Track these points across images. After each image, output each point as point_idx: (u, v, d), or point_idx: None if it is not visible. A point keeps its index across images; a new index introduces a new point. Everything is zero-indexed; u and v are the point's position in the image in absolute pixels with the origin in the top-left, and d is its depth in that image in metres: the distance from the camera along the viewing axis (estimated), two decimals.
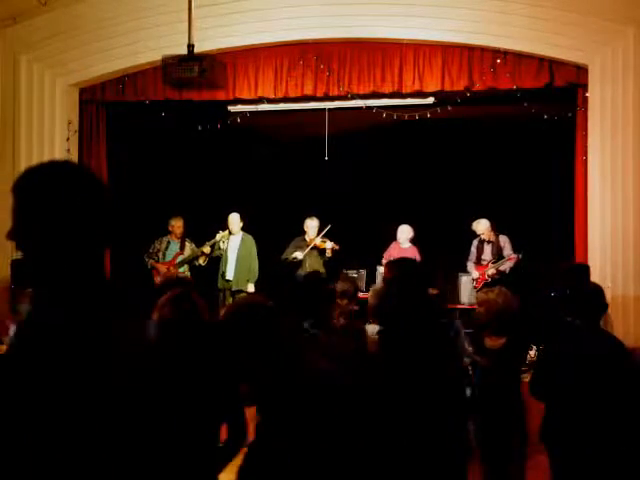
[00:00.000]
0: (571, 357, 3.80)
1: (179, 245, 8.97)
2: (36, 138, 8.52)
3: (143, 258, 8.91)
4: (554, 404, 3.90)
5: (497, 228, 8.66)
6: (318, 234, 8.98)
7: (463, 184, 9.82)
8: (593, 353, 3.79)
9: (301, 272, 8.85)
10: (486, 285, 8.52)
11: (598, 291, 4.13)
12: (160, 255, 8.90)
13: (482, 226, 8.57)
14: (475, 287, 8.68)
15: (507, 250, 8.52)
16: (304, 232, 9.12)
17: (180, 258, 8.88)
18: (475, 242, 8.70)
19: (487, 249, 8.61)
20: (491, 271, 8.48)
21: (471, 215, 8.96)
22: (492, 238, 8.58)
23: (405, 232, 8.96)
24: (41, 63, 8.51)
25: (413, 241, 9.01)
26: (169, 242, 8.98)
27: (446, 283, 9.43)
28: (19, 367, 1.56)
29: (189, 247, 8.99)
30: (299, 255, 8.90)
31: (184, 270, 8.93)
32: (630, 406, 3.67)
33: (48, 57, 8.49)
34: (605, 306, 4.07)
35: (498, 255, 8.52)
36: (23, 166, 8.39)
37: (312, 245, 8.90)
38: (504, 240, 8.56)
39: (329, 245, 8.86)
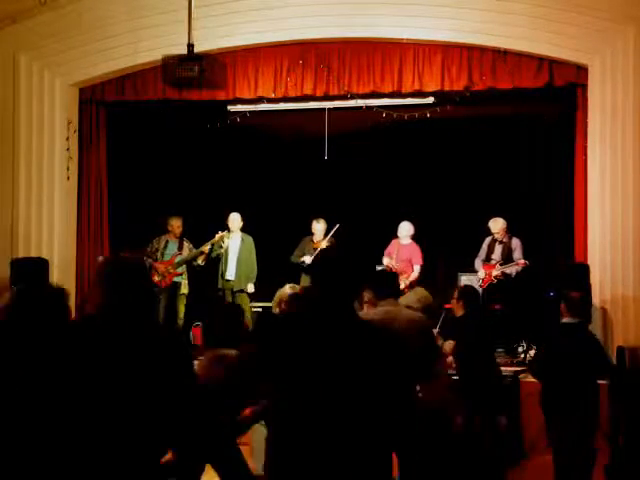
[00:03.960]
0: (561, 354, 5.10)
1: (177, 245, 8.95)
2: (36, 138, 8.51)
3: (142, 257, 8.88)
4: (548, 385, 5.22)
5: (510, 230, 8.58)
6: (325, 236, 8.92)
7: (462, 184, 9.81)
8: (579, 351, 5.07)
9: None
10: (491, 286, 8.49)
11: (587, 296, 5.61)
12: (158, 254, 8.87)
13: (499, 225, 8.46)
14: (481, 286, 8.59)
15: (517, 254, 8.36)
16: (312, 233, 9.08)
17: (179, 258, 8.86)
18: (487, 240, 8.62)
19: (498, 249, 8.51)
20: (496, 272, 8.40)
21: (470, 214, 8.96)
22: (505, 239, 8.51)
23: (405, 229, 8.92)
24: (41, 63, 8.50)
25: (414, 238, 8.96)
26: (167, 241, 8.95)
27: (446, 282, 9.43)
28: None
29: (187, 247, 8.97)
30: (307, 260, 8.81)
31: (182, 270, 8.92)
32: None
33: (48, 57, 8.48)
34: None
35: (506, 257, 8.44)
36: (23, 166, 8.42)
37: (319, 249, 8.80)
38: (516, 243, 8.43)
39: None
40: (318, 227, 8.99)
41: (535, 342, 6.85)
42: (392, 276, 4.93)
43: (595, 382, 5.22)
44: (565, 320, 5.20)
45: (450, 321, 6.70)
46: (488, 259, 8.56)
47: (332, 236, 8.86)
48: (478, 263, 8.64)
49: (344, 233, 8.94)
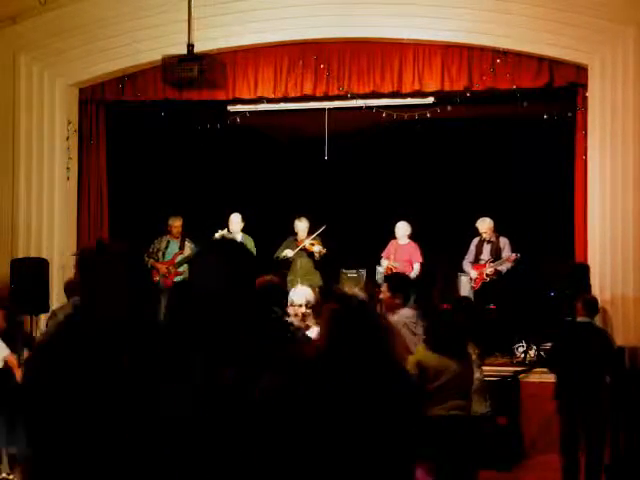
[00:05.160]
0: (574, 350, 5.64)
1: (179, 244, 8.96)
2: (36, 138, 8.51)
3: (143, 257, 8.89)
4: (564, 377, 5.69)
5: (497, 229, 8.63)
6: (308, 235, 8.90)
7: (463, 184, 9.81)
8: (593, 348, 5.60)
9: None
10: (484, 285, 8.49)
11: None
12: (160, 255, 8.88)
13: (486, 224, 8.52)
14: (473, 287, 8.59)
15: (506, 252, 8.41)
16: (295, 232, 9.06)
17: (180, 257, 8.86)
18: (475, 241, 8.65)
19: (486, 249, 8.55)
20: (489, 270, 8.39)
21: (470, 215, 8.96)
22: (492, 238, 8.53)
23: (402, 228, 8.92)
24: (41, 63, 8.50)
25: (412, 237, 8.96)
26: (169, 241, 8.96)
27: (445, 282, 9.43)
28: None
29: (189, 246, 8.98)
30: (289, 253, 8.85)
31: (183, 269, 8.92)
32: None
33: (48, 57, 8.48)
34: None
35: (496, 256, 8.46)
36: (23, 166, 8.42)
37: (301, 246, 8.81)
38: (504, 242, 8.49)
39: (317, 249, 8.75)
40: (300, 226, 8.93)
41: (547, 338, 7.01)
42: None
43: (604, 378, 5.77)
44: (580, 319, 5.87)
45: None
46: (477, 260, 8.57)
47: (317, 236, 8.83)
48: (467, 265, 8.65)
49: (338, 233, 8.95)
